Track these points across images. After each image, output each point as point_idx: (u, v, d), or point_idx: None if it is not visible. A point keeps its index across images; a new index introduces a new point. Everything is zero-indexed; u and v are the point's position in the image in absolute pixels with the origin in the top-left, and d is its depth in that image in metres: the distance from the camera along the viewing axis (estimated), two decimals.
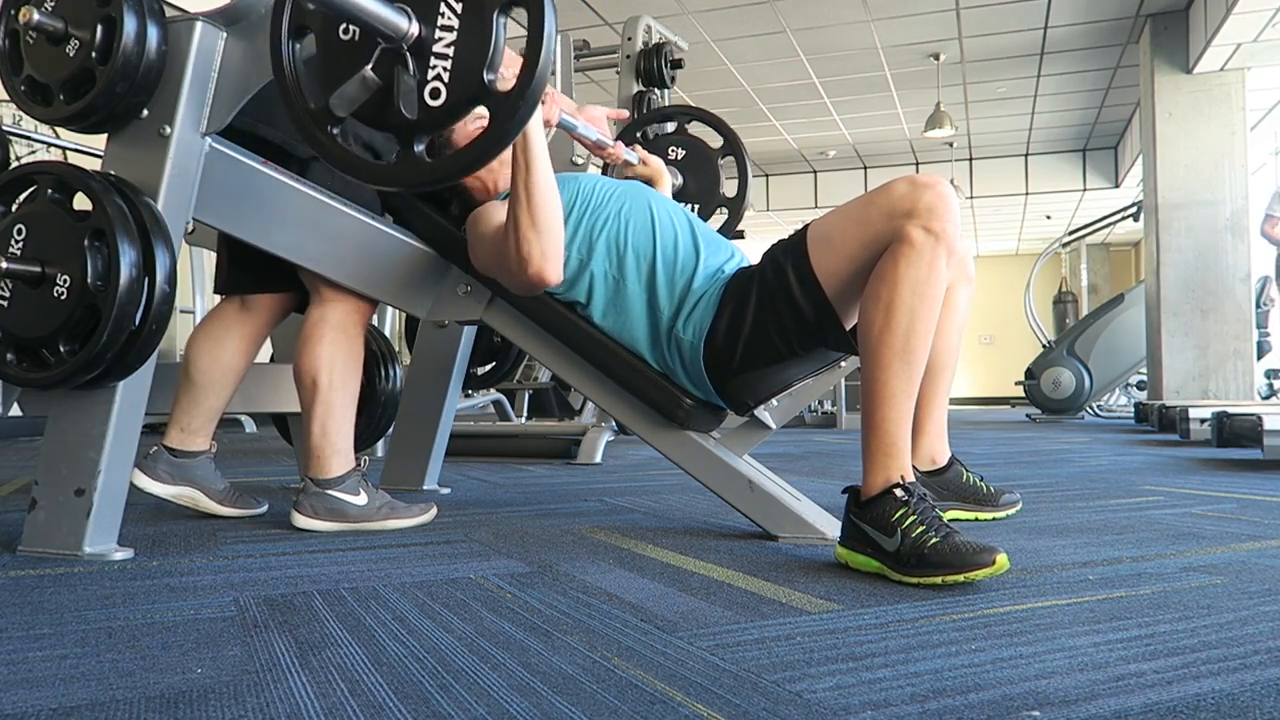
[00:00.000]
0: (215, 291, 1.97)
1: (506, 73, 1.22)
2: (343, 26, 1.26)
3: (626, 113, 2.24)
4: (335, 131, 1.28)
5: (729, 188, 2.53)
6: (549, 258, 1.54)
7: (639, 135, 2.70)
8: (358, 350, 1.88)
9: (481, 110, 1.24)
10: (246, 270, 1.93)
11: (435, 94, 1.22)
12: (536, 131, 1.53)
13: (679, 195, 2.51)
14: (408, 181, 1.29)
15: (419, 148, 1.25)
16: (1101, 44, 7.29)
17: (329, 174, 1.82)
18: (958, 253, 1.44)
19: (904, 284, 1.36)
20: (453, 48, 1.21)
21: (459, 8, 1.20)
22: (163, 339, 1.49)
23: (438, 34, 1.21)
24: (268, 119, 1.78)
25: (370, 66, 1.23)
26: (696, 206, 2.51)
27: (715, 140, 2.55)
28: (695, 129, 2.60)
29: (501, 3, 1.18)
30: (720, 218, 2.56)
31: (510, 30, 1.22)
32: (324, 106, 1.28)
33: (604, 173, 2.59)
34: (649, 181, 2.27)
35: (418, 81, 1.22)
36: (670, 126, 2.72)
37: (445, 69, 1.21)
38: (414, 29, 1.21)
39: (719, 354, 1.62)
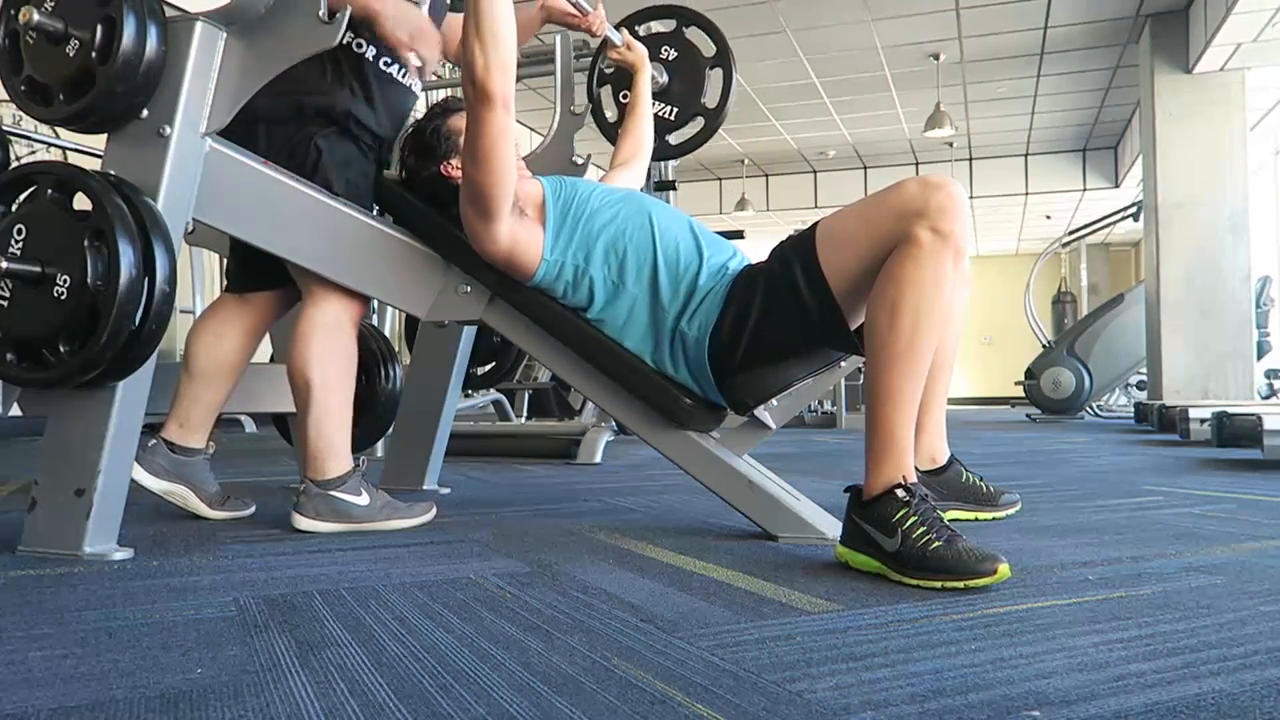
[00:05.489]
0: (226, 290, 1.97)
1: None
2: None
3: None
4: None
5: (711, 98, 2.51)
6: (492, 68, 1.53)
7: (634, 29, 2.61)
8: (352, 348, 1.87)
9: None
10: (249, 267, 1.93)
11: None
12: None
13: (660, 94, 2.48)
14: None
15: None
16: (1101, 44, 7.29)
17: (332, 176, 1.82)
18: (965, 255, 1.44)
19: (911, 284, 1.36)
20: None
21: None
22: (163, 339, 1.49)
23: None
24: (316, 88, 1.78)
25: None
26: (675, 109, 2.49)
27: (708, 50, 2.52)
28: (691, 35, 2.55)
29: None
30: (695, 126, 2.54)
31: None
32: None
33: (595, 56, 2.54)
34: (629, 67, 2.24)
35: None
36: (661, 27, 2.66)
37: None
38: None
39: (723, 350, 1.62)
